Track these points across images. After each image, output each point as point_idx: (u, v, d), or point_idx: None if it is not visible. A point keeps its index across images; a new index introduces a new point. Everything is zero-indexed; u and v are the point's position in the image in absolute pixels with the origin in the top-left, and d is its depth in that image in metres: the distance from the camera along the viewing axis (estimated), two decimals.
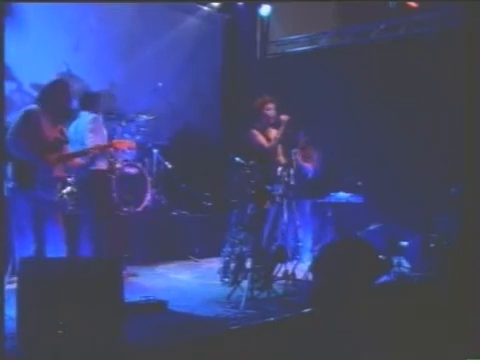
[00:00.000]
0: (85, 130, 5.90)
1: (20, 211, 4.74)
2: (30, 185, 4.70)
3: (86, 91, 6.65)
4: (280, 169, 6.26)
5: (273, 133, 6.09)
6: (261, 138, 6.03)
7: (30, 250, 4.67)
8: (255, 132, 6.00)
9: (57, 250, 4.79)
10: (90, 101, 6.22)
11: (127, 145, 5.68)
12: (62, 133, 4.93)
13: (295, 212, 7.12)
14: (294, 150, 6.00)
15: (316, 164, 7.58)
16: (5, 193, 4.84)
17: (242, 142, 6.10)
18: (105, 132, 6.21)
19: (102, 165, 6.02)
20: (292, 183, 5.85)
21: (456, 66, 6.96)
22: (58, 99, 4.92)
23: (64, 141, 4.92)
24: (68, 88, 5.02)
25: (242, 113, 6.26)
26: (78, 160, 5.19)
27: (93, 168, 5.85)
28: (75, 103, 6.71)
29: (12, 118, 4.85)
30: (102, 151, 5.39)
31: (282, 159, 6.16)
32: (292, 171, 5.84)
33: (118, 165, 6.66)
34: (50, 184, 4.83)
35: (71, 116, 5.18)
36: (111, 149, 5.49)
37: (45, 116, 4.81)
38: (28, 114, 4.78)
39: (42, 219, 4.77)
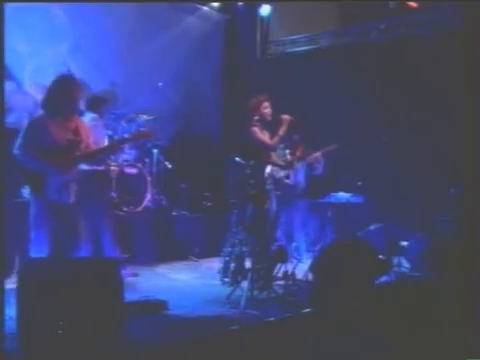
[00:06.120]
0: None
1: (37, 214, 4.62)
2: (43, 192, 4.55)
3: (94, 94, 6.70)
4: (278, 170, 6.28)
5: (267, 134, 6.10)
6: (263, 135, 6.03)
7: (44, 253, 4.53)
8: (256, 129, 5.99)
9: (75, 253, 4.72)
10: (95, 103, 6.24)
11: (147, 135, 5.51)
12: (76, 133, 4.69)
13: (293, 212, 7.16)
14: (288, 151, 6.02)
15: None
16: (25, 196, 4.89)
17: (243, 141, 6.09)
18: (105, 132, 6.23)
19: (98, 166, 6.04)
20: (288, 182, 5.86)
21: (456, 66, 6.96)
22: (63, 98, 4.64)
23: (78, 141, 4.68)
24: (72, 83, 4.73)
25: (242, 113, 6.24)
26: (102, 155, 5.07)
27: (89, 169, 5.85)
28: (81, 104, 6.77)
29: (11, 119, 4.82)
30: (135, 141, 5.11)
31: (276, 159, 6.18)
32: (287, 172, 5.85)
33: (113, 167, 6.65)
34: (64, 188, 4.63)
35: (77, 112, 4.90)
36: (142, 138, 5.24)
37: (53, 120, 4.60)
38: (31, 124, 4.63)
39: (59, 223, 4.62)
